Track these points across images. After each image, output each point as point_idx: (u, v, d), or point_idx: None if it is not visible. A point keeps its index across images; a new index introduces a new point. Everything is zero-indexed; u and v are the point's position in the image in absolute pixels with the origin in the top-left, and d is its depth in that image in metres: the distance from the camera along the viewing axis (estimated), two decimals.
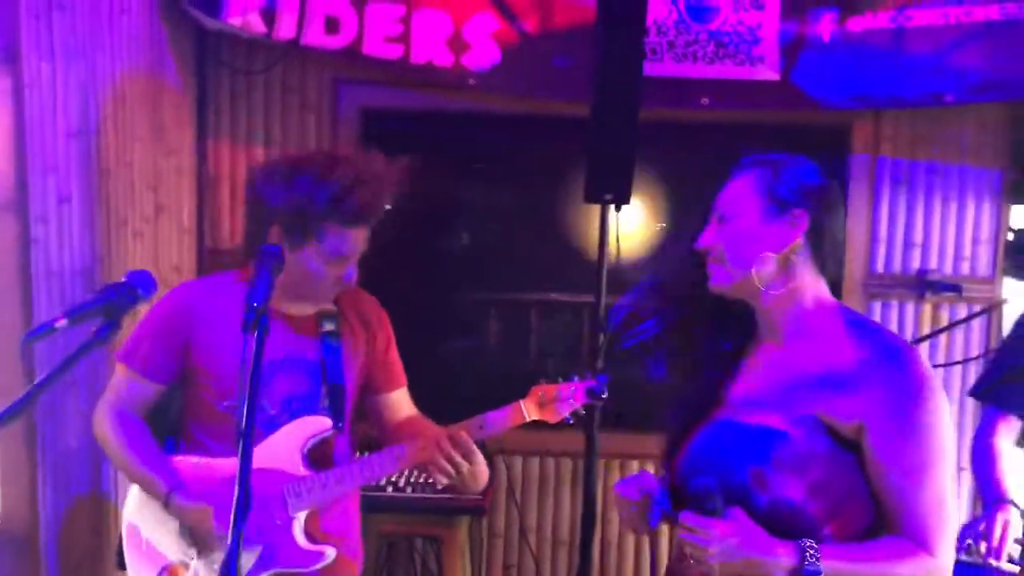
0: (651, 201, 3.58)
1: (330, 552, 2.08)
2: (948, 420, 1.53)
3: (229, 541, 1.89)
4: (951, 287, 3.40)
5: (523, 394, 2.08)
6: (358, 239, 2.03)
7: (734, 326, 1.76)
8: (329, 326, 2.15)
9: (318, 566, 2.08)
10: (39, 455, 2.56)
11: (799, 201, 1.60)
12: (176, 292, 2.16)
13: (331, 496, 2.07)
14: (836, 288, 3.41)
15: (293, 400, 2.10)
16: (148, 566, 2.08)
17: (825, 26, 3.32)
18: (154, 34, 2.96)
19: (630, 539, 3.65)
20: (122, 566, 2.17)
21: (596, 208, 2.97)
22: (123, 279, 1.60)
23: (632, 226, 3.43)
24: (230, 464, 2.03)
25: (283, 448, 2.07)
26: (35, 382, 1.41)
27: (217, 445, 2.07)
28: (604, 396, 2.09)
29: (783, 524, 1.51)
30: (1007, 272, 3.52)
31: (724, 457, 1.59)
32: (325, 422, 2.09)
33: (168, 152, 3.12)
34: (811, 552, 1.44)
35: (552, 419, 2.10)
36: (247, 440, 1.40)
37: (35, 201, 2.46)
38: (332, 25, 3.20)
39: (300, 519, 2.07)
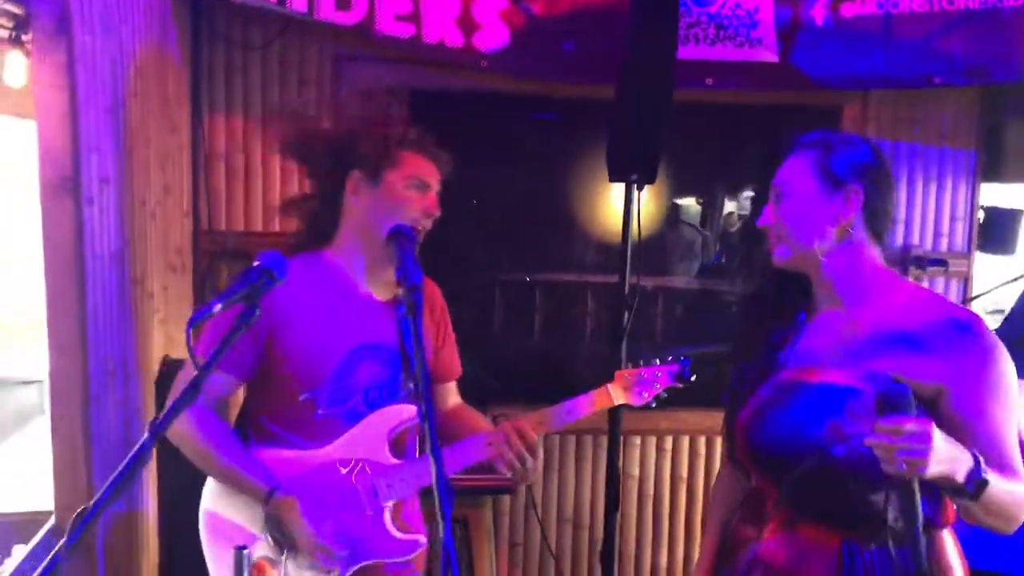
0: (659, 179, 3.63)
1: (423, 539, 2.07)
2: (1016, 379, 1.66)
3: (317, 539, 1.90)
4: (937, 262, 3.58)
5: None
6: (433, 170, 2.06)
7: (790, 298, 1.86)
8: (406, 311, 2.12)
9: (413, 555, 2.06)
10: (93, 447, 2.41)
11: (853, 177, 1.71)
12: None
13: (421, 484, 2.05)
14: None
15: (376, 388, 2.06)
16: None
17: (818, 11, 3.43)
18: (161, 3, 2.81)
19: (647, 513, 3.75)
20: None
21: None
22: (257, 262, 1.54)
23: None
24: (314, 456, 1.99)
25: (370, 438, 2.03)
26: (193, 380, 1.35)
27: (296, 437, 2.01)
28: (691, 379, 2.13)
29: (864, 474, 1.59)
30: (978, 247, 3.74)
31: (798, 413, 1.67)
32: (410, 410, 2.06)
33: (173, 129, 2.97)
34: (981, 459, 1.51)
35: (637, 402, 2.14)
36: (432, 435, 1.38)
37: (84, 181, 2.31)
38: (343, 1, 3.11)
39: (390, 509, 2.04)
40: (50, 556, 1.06)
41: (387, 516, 2.03)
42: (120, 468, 1.17)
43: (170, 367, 2.76)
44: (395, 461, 2.04)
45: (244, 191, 3.37)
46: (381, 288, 2.09)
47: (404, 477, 2.03)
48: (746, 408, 1.78)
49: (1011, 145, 3.74)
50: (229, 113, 3.33)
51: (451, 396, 2.31)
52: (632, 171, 2.94)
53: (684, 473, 3.74)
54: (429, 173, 2.05)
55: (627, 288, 3.00)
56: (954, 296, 3.73)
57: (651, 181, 2.96)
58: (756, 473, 1.80)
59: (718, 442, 3.63)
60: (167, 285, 2.88)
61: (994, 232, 3.75)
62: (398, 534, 2.04)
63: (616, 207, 3.47)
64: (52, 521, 2.52)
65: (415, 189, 2.02)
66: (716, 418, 2.01)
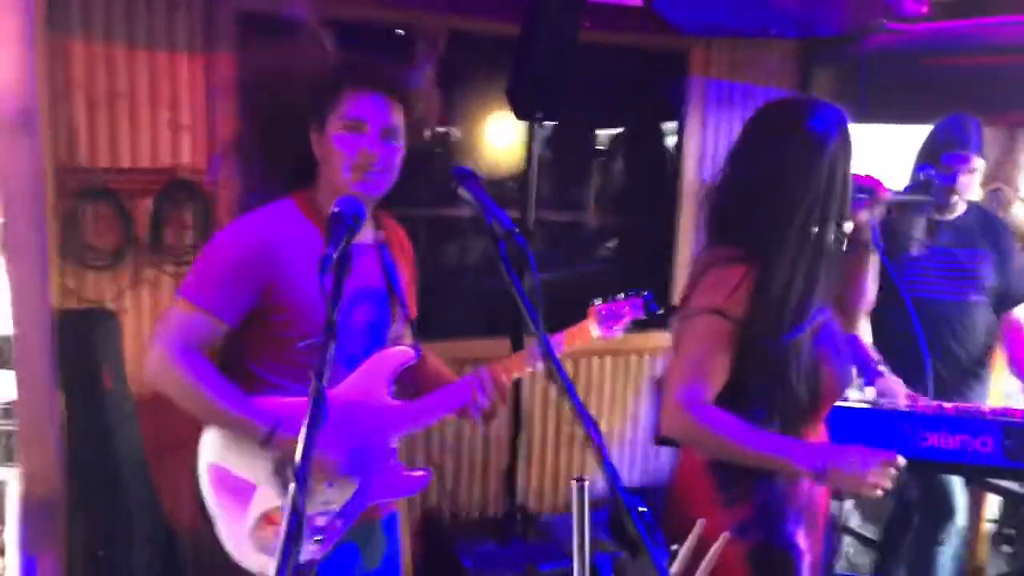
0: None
1: (427, 474, 2.13)
2: None
3: (340, 468, 1.91)
4: None
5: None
6: (379, 106, 1.95)
7: None
8: (386, 252, 2.13)
9: (420, 490, 2.12)
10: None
11: None
12: (248, 228, 1.97)
13: (425, 423, 2.10)
14: (674, 198, 3.93)
15: (371, 331, 2.08)
16: (241, 510, 1.96)
17: None
18: None
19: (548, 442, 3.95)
20: None
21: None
22: (336, 209, 1.50)
23: (509, 142, 3.61)
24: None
25: (371, 381, 2.05)
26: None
27: (293, 384, 1.99)
28: (659, 311, 2.33)
29: None
30: None
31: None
32: (408, 352, 2.10)
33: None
34: None
35: (609, 335, 2.30)
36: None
37: None
38: None
39: (396, 448, 2.08)
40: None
41: (394, 455, 2.07)
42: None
43: None
44: (397, 402, 2.07)
45: (108, 124, 3.08)
46: (363, 232, 2.07)
47: (410, 416, 2.07)
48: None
49: (819, 88, 4.25)
50: (88, 37, 3.01)
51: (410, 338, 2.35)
52: (537, 108, 3.05)
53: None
54: (367, 110, 1.95)
55: (531, 223, 3.14)
56: None
57: (556, 119, 3.09)
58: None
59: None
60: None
61: None
62: (406, 471, 2.09)
63: (503, 144, 3.58)
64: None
65: (348, 131, 1.95)
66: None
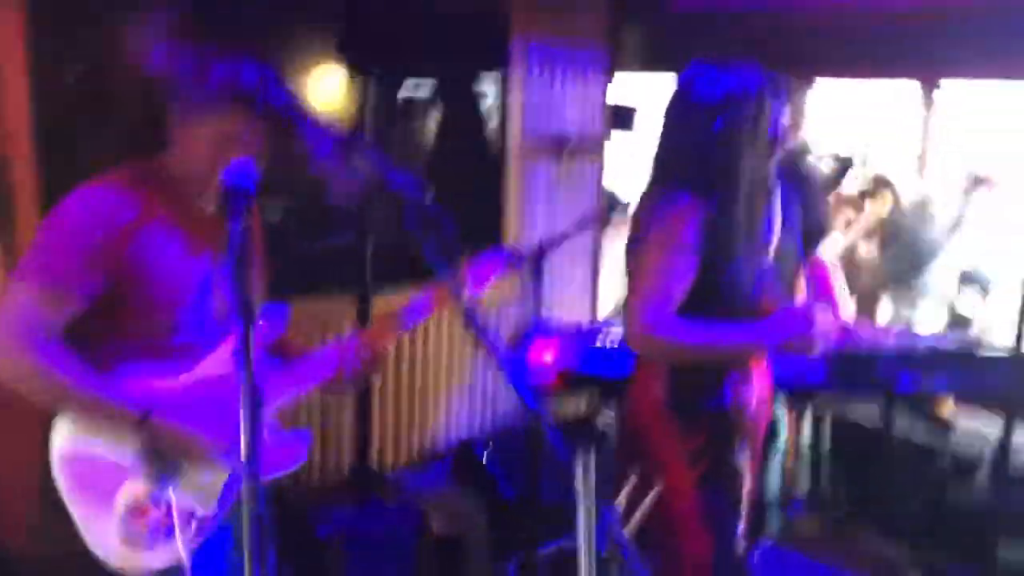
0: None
1: (306, 435, 2.04)
2: None
3: (219, 449, 1.81)
4: (592, 147, 4.17)
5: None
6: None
7: None
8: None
9: (304, 454, 2.03)
10: None
11: None
12: (95, 197, 1.77)
13: (302, 390, 2.02)
14: (501, 153, 3.97)
15: (227, 304, 1.95)
16: (105, 501, 1.80)
17: None
18: None
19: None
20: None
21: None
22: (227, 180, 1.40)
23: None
24: (180, 382, 1.86)
25: None
26: None
27: (153, 365, 1.85)
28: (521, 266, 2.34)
29: None
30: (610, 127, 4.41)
31: None
32: (273, 328, 1.99)
33: None
34: None
35: (477, 292, 2.28)
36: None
37: None
38: None
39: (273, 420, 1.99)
40: None
41: (272, 427, 1.98)
42: None
43: None
44: (271, 370, 1.98)
45: None
46: (208, 199, 1.94)
47: (288, 383, 1.98)
48: None
49: (630, 41, 4.41)
50: None
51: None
52: (372, 61, 2.94)
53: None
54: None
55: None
56: (593, 178, 4.37)
57: (394, 72, 3.00)
58: None
59: None
60: None
61: (619, 118, 4.41)
62: (285, 441, 2.00)
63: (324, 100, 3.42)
64: None
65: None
66: None
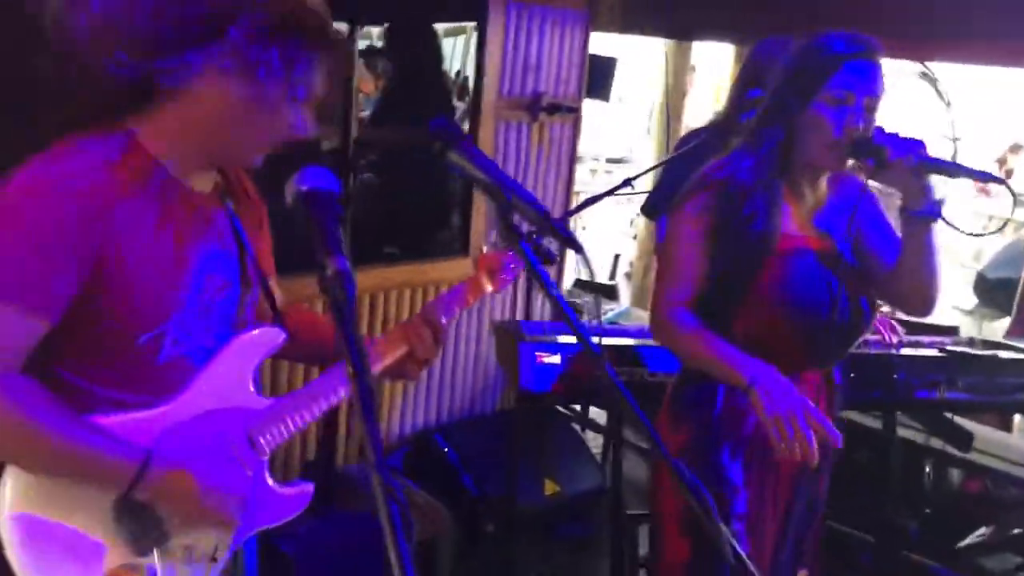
0: None
1: (309, 488, 1.67)
2: None
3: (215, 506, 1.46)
4: (569, 109, 3.82)
5: None
6: None
7: None
8: (231, 202, 1.60)
9: (301, 509, 1.66)
10: None
11: None
12: (62, 177, 1.33)
13: (304, 423, 1.63)
14: (475, 111, 3.61)
15: (225, 309, 1.56)
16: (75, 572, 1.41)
17: None
18: None
19: None
20: None
21: None
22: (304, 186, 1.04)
23: None
24: (163, 415, 1.49)
25: (231, 376, 1.55)
26: None
27: (131, 394, 1.46)
28: (556, 259, 2.00)
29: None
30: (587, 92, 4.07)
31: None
32: (275, 334, 1.60)
33: None
34: None
35: (501, 288, 1.94)
36: None
37: None
38: None
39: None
40: None
41: (267, 471, 1.60)
42: None
43: None
44: (264, 400, 1.59)
45: None
46: (201, 179, 1.53)
47: (282, 417, 1.59)
48: None
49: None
50: None
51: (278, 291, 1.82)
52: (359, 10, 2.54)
53: None
54: None
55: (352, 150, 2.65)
56: (567, 141, 4.03)
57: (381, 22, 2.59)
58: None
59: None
60: None
61: (595, 78, 4.08)
62: (285, 490, 1.63)
63: None
64: None
65: None
66: None
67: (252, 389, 1.57)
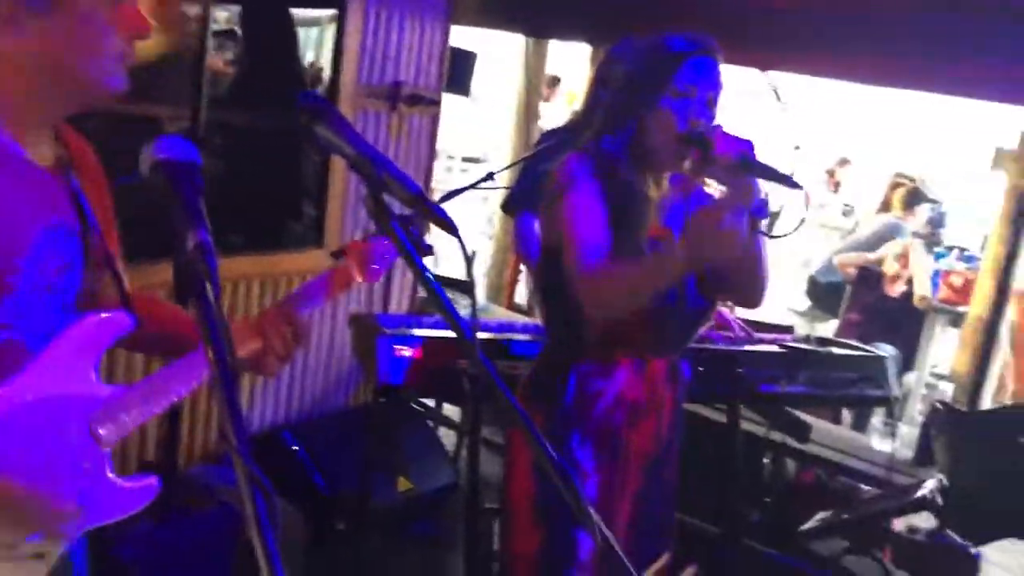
0: None
1: (153, 482, 1.55)
2: None
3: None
4: (431, 101, 3.78)
5: None
6: None
7: None
8: (74, 175, 1.48)
9: (145, 504, 1.54)
10: None
11: None
12: None
13: (150, 413, 1.52)
14: (333, 98, 3.55)
15: (64, 289, 1.44)
16: None
17: None
18: None
19: None
20: None
21: None
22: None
23: None
24: None
25: (71, 361, 1.42)
26: None
27: None
28: (431, 249, 1.95)
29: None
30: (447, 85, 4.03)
31: None
32: (122, 319, 1.48)
33: None
34: None
35: (374, 279, 1.88)
36: None
37: None
38: None
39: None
40: None
41: (108, 463, 1.48)
42: None
43: None
44: (107, 388, 1.47)
45: None
46: (40, 147, 1.41)
47: (127, 407, 1.47)
48: None
49: None
50: None
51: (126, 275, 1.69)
52: None
53: None
54: None
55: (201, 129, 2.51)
56: (426, 134, 3.98)
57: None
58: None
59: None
60: None
61: (455, 72, 4.06)
62: (127, 484, 1.51)
63: None
64: None
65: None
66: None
67: (95, 377, 1.45)
